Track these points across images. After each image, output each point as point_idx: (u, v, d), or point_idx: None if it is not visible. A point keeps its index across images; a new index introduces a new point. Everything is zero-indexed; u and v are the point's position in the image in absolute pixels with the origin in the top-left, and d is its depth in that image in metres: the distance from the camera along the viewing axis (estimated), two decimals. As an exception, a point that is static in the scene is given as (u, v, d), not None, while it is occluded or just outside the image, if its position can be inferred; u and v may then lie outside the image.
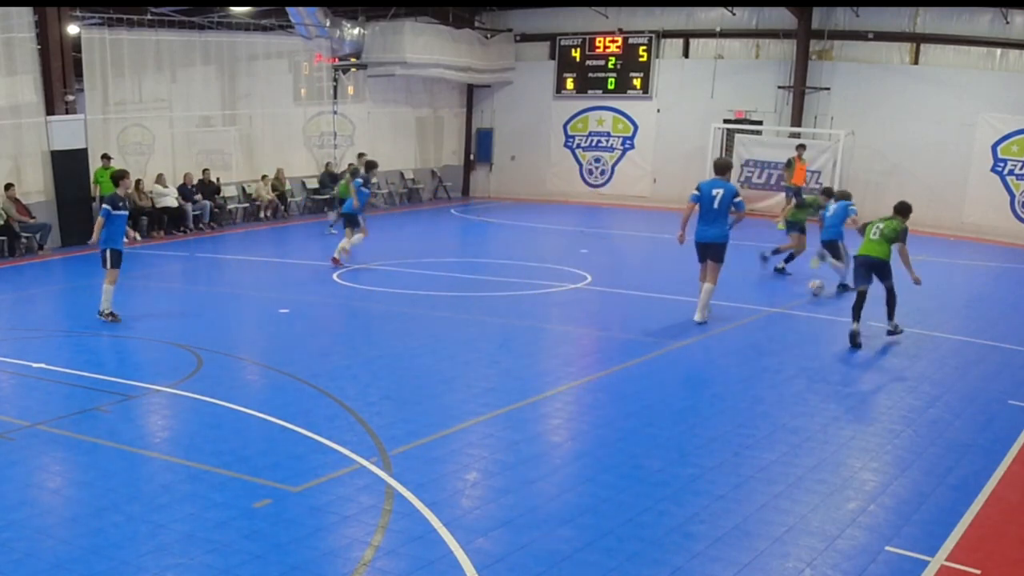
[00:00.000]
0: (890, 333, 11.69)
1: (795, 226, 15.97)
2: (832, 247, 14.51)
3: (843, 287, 14.32)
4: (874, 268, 11.59)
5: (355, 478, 6.97)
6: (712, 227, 11.86)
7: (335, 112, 24.93)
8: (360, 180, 16.46)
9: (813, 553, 5.96)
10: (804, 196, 16.86)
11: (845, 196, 14.80)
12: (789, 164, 22.19)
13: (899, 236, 11.42)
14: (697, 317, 12.19)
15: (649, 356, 10.78)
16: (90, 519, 6.19)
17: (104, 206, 11.85)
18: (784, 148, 24.02)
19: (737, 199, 11.82)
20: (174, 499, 6.53)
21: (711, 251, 11.99)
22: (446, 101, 28.82)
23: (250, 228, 21.47)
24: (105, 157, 18.56)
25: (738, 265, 18.15)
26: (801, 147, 22.53)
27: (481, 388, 9.35)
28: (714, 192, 11.77)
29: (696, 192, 11.94)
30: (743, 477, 7.20)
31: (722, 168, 12.13)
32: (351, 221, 16.18)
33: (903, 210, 11.52)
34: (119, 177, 12.17)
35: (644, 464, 7.44)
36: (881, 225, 11.67)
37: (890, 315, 11.66)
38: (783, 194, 23.71)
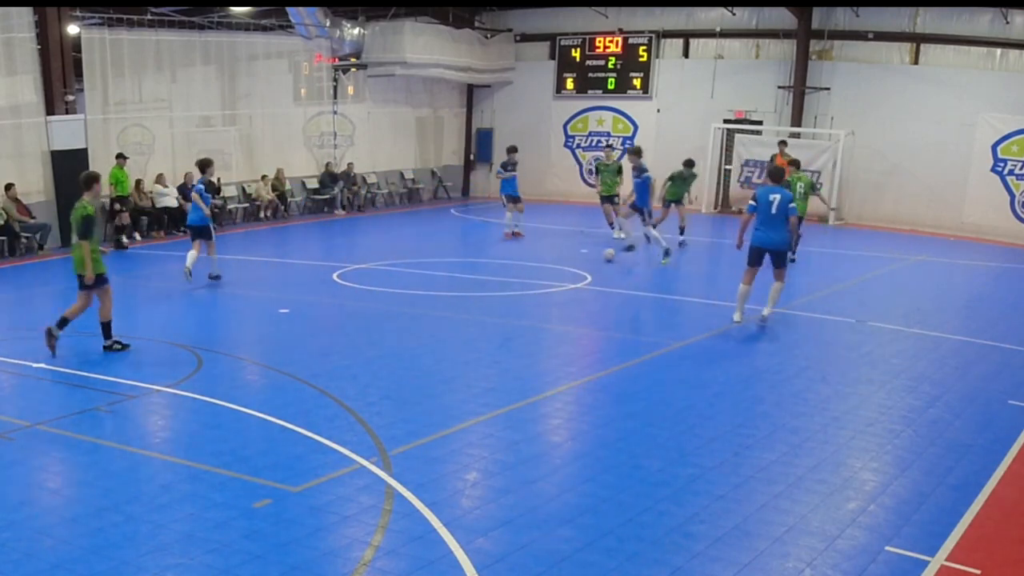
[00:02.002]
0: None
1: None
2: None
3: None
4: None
5: (355, 478, 6.97)
6: (774, 233, 11.94)
7: (335, 112, 24.93)
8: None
9: (813, 553, 5.97)
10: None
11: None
12: (772, 161, 22.46)
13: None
14: (765, 312, 12.25)
15: (649, 356, 10.78)
16: (90, 519, 6.19)
17: (204, 192, 14.30)
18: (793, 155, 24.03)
19: (791, 204, 11.92)
20: (174, 499, 6.53)
21: (774, 257, 12.10)
22: (446, 101, 28.81)
23: (250, 228, 21.47)
24: (120, 156, 18.82)
25: (737, 265, 18.17)
26: (783, 143, 22.74)
27: (481, 388, 9.35)
28: (771, 198, 11.86)
29: (753, 202, 12.10)
30: (743, 477, 7.20)
31: (777, 175, 12.33)
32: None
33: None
34: (207, 164, 14.65)
35: (644, 464, 7.44)
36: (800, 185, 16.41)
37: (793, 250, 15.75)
38: None
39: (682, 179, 19.33)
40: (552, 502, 6.68)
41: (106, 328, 10.31)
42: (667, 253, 16.59)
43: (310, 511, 6.40)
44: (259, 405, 8.64)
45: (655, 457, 7.60)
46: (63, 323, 10.17)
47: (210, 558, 5.68)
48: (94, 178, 10.52)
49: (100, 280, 10.22)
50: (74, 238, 10.25)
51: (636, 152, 17.62)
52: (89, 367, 9.90)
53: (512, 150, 20.45)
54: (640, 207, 16.86)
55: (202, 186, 14.42)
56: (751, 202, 12.18)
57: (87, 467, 7.20)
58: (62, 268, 16.48)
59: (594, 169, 21.01)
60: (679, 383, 9.83)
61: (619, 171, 19.59)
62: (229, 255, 17.61)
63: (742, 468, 7.38)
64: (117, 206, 18.53)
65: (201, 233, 14.42)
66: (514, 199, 19.83)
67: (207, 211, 14.42)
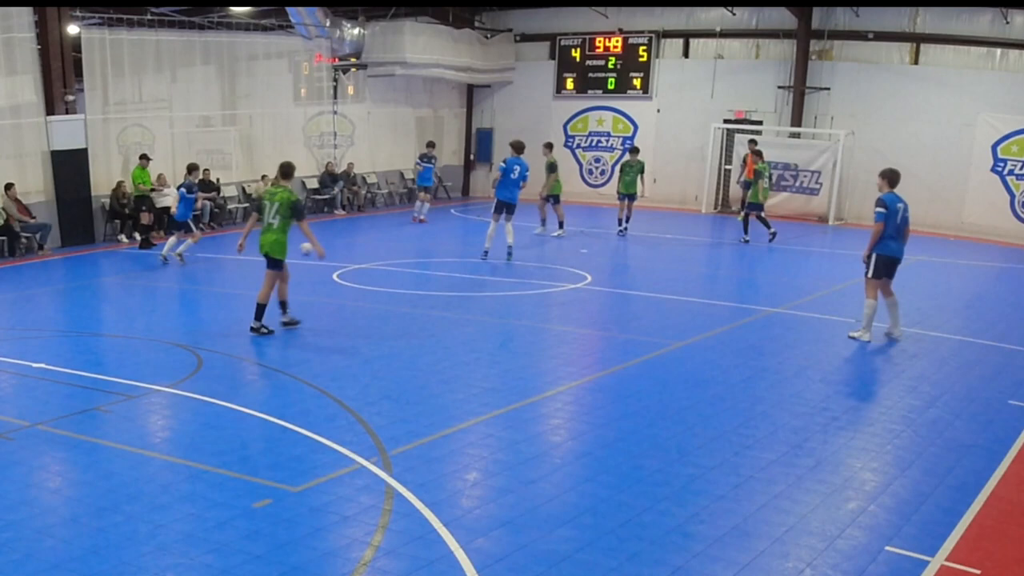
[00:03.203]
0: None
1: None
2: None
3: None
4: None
5: (355, 478, 6.97)
6: (903, 243, 11.39)
7: (335, 112, 24.92)
8: None
9: (813, 553, 5.97)
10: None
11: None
12: (744, 160, 23.07)
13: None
14: (896, 333, 11.62)
15: (649, 356, 10.78)
16: (90, 519, 6.19)
17: (184, 190, 16.65)
18: (784, 148, 24.08)
19: (907, 212, 11.37)
20: (174, 499, 6.53)
21: (896, 268, 11.48)
22: (446, 101, 28.81)
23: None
24: (144, 158, 19.01)
25: (735, 266, 18.18)
26: (752, 142, 23.07)
27: (481, 388, 9.35)
28: (898, 206, 11.20)
29: (883, 210, 11.12)
30: (743, 477, 7.20)
31: (896, 178, 11.41)
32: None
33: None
34: (192, 168, 17.47)
35: (644, 464, 7.44)
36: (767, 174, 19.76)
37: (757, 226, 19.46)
38: (785, 193, 24.03)
39: (630, 167, 20.68)
40: (552, 502, 6.68)
41: (282, 305, 11.44)
42: None
43: (310, 511, 6.40)
44: (259, 405, 8.64)
45: (655, 457, 7.60)
46: (260, 312, 11.21)
47: (210, 558, 5.68)
48: (293, 168, 11.70)
49: (281, 264, 11.22)
50: (275, 221, 11.03)
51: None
52: (89, 367, 9.90)
53: (431, 145, 23.53)
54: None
55: (184, 190, 16.68)
56: (880, 209, 11.17)
57: (87, 467, 7.20)
58: (62, 268, 16.51)
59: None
60: (679, 383, 9.83)
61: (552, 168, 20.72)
62: (229, 255, 17.61)
63: (742, 468, 7.38)
64: (143, 208, 18.76)
65: (181, 226, 16.69)
66: (425, 188, 23.04)
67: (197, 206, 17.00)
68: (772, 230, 19.76)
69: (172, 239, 16.61)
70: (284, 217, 11.02)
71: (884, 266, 11.37)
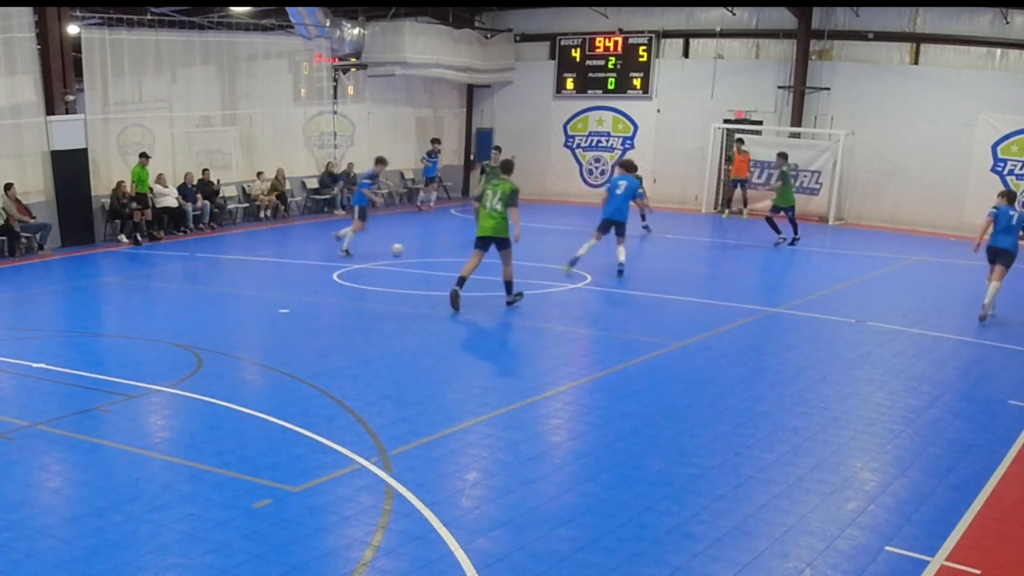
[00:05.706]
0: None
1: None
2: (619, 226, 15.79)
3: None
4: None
5: (355, 478, 6.97)
6: (1007, 236, 13.12)
7: (335, 112, 24.92)
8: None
9: (813, 553, 5.97)
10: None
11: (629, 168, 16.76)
12: (730, 159, 23.15)
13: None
14: (985, 311, 13.14)
15: (649, 356, 10.78)
16: (90, 519, 6.20)
17: (365, 180, 18.01)
18: (784, 148, 24.03)
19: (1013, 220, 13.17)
20: (174, 499, 6.53)
21: (1002, 256, 13.08)
22: (446, 101, 28.80)
23: (250, 228, 21.47)
24: (143, 156, 18.94)
25: (735, 266, 18.17)
26: (739, 141, 23.25)
27: (481, 388, 9.35)
28: (1011, 213, 13.19)
29: (994, 209, 13.35)
30: (743, 477, 7.20)
31: (1012, 197, 13.70)
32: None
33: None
34: (378, 161, 18.57)
35: (644, 464, 7.44)
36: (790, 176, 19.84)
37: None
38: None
39: None
40: (552, 502, 6.68)
41: (508, 286, 12.97)
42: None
43: (310, 511, 6.40)
44: (259, 405, 8.64)
45: (655, 457, 7.60)
46: (461, 282, 12.69)
47: (210, 558, 5.68)
48: (512, 165, 13.48)
49: (508, 243, 12.78)
50: (499, 207, 12.68)
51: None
52: (89, 367, 9.90)
53: (435, 141, 25.58)
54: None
55: (367, 181, 17.93)
56: (993, 209, 13.38)
57: (87, 467, 7.20)
58: (62, 268, 16.51)
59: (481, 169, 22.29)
60: (679, 383, 9.84)
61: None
62: (230, 255, 17.63)
63: (742, 468, 7.38)
64: (135, 204, 18.72)
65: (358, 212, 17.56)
66: (431, 180, 25.57)
67: (374, 198, 18.16)
68: (781, 236, 19.64)
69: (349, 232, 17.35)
70: (505, 203, 12.64)
71: (989, 253, 13.20)
